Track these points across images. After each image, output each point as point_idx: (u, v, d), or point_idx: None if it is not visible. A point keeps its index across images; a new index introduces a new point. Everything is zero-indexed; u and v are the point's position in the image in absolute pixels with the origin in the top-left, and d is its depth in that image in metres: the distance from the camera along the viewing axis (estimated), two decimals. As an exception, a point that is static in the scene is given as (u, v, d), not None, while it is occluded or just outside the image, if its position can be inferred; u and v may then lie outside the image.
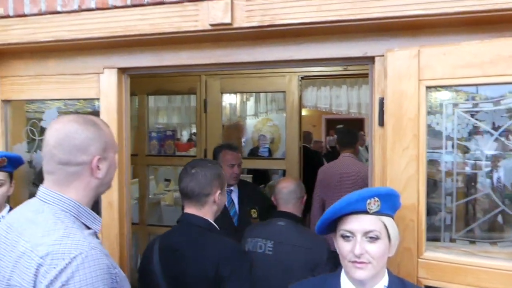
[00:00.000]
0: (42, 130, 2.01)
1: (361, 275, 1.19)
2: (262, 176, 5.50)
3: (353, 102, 3.96)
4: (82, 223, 1.10)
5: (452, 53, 1.41)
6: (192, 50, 1.75)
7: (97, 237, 1.17)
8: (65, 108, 2.23)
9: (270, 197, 2.32)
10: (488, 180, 1.54)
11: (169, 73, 2.99)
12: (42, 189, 1.11)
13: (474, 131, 1.52)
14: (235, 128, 5.38)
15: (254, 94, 4.06)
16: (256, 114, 4.13)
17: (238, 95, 4.11)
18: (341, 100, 3.95)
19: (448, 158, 1.54)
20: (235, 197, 2.70)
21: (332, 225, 1.30)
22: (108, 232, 1.86)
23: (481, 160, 1.54)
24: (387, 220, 1.23)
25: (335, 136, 9.22)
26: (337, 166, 3.25)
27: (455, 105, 1.51)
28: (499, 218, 1.51)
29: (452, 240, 1.56)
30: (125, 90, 1.89)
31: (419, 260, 1.48)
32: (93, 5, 1.66)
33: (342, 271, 1.32)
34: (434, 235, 1.57)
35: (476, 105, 1.50)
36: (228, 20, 1.55)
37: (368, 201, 1.19)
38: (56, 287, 0.93)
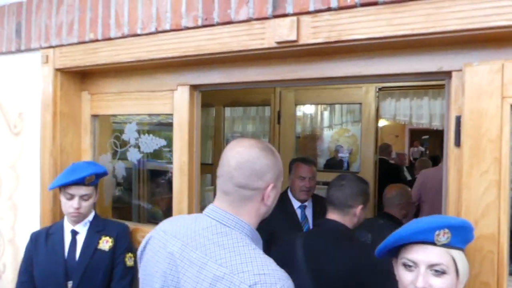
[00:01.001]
0: (124, 143, 2.19)
1: None
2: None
3: (435, 114, 3.69)
4: None
5: (542, 67, 1.25)
6: (259, 67, 1.78)
7: None
8: (148, 119, 2.40)
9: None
10: None
11: (242, 86, 3.07)
12: (216, 210, 1.13)
13: None
14: (311, 139, 5.33)
15: (329, 105, 3.99)
16: (330, 126, 4.05)
17: (313, 106, 4.07)
18: (422, 112, 3.70)
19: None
20: (309, 213, 2.66)
21: (394, 249, 1.22)
22: (177, 240, 1.96)
23: None
24: (457, 253, 1.12)
25: (419, 147, 8.72)
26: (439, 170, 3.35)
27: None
28: None
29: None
30: (196, 106, 1.98)
31: (500, 297, 1.32)
32: (168, 27, 1.77)
33: None
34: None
35: None
36: (294, 37, 1.54)
37: (437, 232, 1.09)
38: None
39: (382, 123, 4.20)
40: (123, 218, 2.96)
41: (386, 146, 5.00)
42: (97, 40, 1.97)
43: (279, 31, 1.56)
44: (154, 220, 3.87)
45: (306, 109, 4.12)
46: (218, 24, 1.68)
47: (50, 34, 2.10)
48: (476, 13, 1.29)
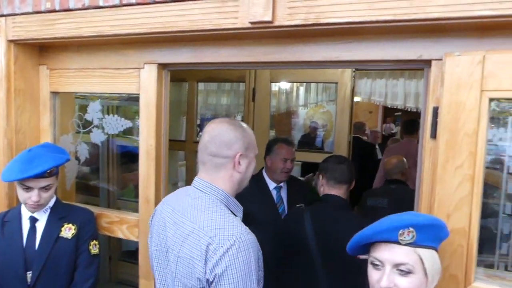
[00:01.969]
0: (87, 123, 2.05)
1: None
2: (311, 165, 5.39)
3: (410, 94, 3.67)
4: (230, 211, 1.31)
5: (525, 61, 1.21)
6: (232, 47, 1.67)
7: None
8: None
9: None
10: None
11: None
12: (197, 180, 1.35)
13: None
14: (286, 115, 5.28)
15: (304, 84, 3.90)
16: (305, 105, 3.98)
17: (288, 84, 3.98)
18: (397, 93, 3.68)
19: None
20: (284, 194, 2.63)
21: (367, 247, 1.19)
22: (145, 227, 1.88)
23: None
24: (425, 252, 1.09)
25: (391, 124, 8.83)
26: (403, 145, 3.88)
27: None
28: None
29: (508, 270, 1.39)
30: (164, 86, 1.86)
31: (467, 290, 1.33)
32: (133, 0, 1.63)
33: None
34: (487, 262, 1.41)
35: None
36: (269, 18, 1.44)
37: (401, 231, 1.06)
38: (224, 262, 1.15)
39: (357, 99, 4.17)
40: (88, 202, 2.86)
41: (360, 124, 5.01)
42: (54, 11, 1.79)
43: (253, 10, 1.45)
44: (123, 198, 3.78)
45: (281, 86, 4.03)
46: (188, -1, 1.55)
47: (0, 1, 1.90)
48: (461, 1, 1.23)
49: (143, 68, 1.83)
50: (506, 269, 1.37)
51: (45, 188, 1.75)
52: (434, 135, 1.39)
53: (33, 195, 1.71)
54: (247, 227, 1.25)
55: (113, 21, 1.69)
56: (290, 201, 2.58)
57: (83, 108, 2.08)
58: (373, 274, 1.13)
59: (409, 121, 4.19)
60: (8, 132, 1.99)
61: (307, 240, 1.95)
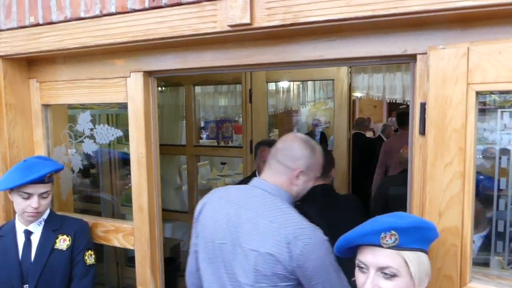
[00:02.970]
0: (78, 134, 2.05)
1: None
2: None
3: (409, 88, 3.60)
4: None
5: (510, 51, 1.16)
6: (215, 51, 1.65)
7: None
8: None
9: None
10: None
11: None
12: (262, 181, 1.48)
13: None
14: (287, 114, 5.23)
15: (301, 82, 3.87)
16: (303, 103, 3.95)
17: (286, 83, 3.94)
18: (396, 87, 3.62)
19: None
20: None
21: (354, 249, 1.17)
22: (139, 235, 1.88)
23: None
24: (410, 255, 1.05)
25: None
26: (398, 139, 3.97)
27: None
28: None
29: (504, 269, 1.35)
30: (152, 93, 1.85)
31: (462, 290, 1.29)
32: (113, 10, 1.61)
33: None
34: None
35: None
36: (247, 20, 1.41)
37: (383, 234, 1.03)
38: (309, 257, 1.31)
39: (358, 94, 4.12)
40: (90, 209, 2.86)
41: (362, 120, 4.94)
42: (38, 24, 1.79)
43: (231, 13, 1.43)
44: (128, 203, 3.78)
45: (279, 85, 4.00)
46: (167, 6, 1.53)
47: (-13, 18, 1.91)
48: (440, -7, 1.19)
49: (129, 76, 1.82)
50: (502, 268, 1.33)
51: (43, 196, 1.76)
52: (423, 131, 1.35)
53: (33, 202, 1.73)
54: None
55: (95, 31, 1.68)
56: None
57: (75, 119, 2.08)
58: (359, 277, 1.10)
59: (401, 114, 4.16)
60: (2, 146, 2.00)
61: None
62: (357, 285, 1.12)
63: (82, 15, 1.68)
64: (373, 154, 4.18)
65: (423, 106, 1.34)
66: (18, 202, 1.75)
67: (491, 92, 1.25)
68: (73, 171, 2.11)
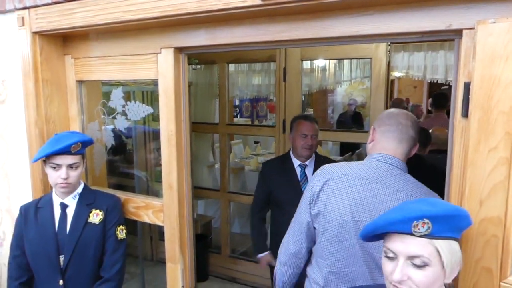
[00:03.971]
0: (111, 110, 2.07)
1: None
2: (349, 144, 5.21)
3: (452, 67, 3.38)
4: None
5: None
6: (246, 27, 1.59)
7: None
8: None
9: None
10: None
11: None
12: (388, 156, 1.51)
13: None
14: (323, 94, 5.11)
15: (337, 60, 3.73)
16: (339, 82, 3.81)
17: (322, 62, 3.82)
18: (438, 66, 3.41)
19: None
20: (309, 172, 2.59)
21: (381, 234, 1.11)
22: (169, 213, 1.89)
23: None
24: (442, 244, 0.99)
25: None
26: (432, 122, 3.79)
27: None
28: None
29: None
30: (182, 70, 1.82)
31: (502, 284, 1.21)
32: (143, -16, 1.59)
33: None
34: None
35: None
36: (280, -7, 1.35)
37: (415, 223, 0.97)
38: None
39: (398, 74, 3.93)
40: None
41: (399, 101, 4.75)
42: (71, 0, 1.80)
43: (263, -14, 1.36)
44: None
45: (315, 63, 3.88)
46: (196, -22, 1.48)
47: (23, -6, 1.94)
48: (494, -41, 1.07)
49: (160, 53, 1.80)
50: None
51: (72, 167, 1.80)
52: (465, 113, 1.25)
53: (62, 173, 1.77)
54: None
55: (126, 6, 1.66)
56: None
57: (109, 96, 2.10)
58: (386, 265, 1.05)
59: (439, 94, 3.92)
60: (39, 122, 2.05)
61: None
62: (384, 273, 1.07)
63: (113, -10, 1.66)
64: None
65: (467, 86, 1.24)
66: (50, 174, 1.81)
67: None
68: (106, 147, 2.15)
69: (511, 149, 1.15)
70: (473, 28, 1.20)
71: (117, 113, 2.04)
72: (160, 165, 3.89)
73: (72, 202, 1.88)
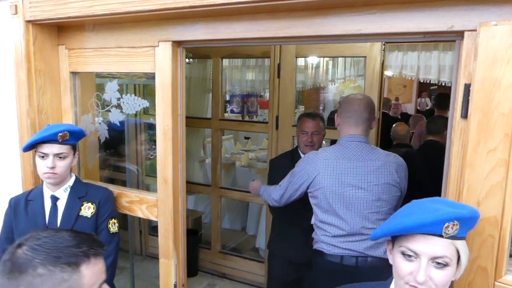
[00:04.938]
0: (105, 103, 2.04)
1: None
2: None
3: (445, 68, 3.42)
4: None
5: None
6: (246, 23, 1.58)
7: None
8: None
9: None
10: None
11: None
12: (357, 137, 1.97)
13: None
14: (315, 91, 5.10)
15: (332, 58, 3.73)
16: (333, 80, 3.82)
17: (316, 59, 3.82)
18: (431, 67, 3.44)
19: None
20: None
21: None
22: (163, 208, 1.87)
23: None
24: (460, 244, 1.03)
25: (427, 98, 8.41)
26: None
27: None
28: None
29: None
30: (180, 64, 1.80)
31: (496, 283, 1.23)
32: (143, -25, 1.56)
33: (392, 283, 1.16)
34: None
35: None
36: (283, -11, 1.34)
37: (447, 224, 0.98)
38: (406, 171, 2.03)
39: (389, 73, 3.95)
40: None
41: (386, 100, 4.88)
42: (67, -11, 1.76)
43: (267, -19, 1.35)
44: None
45: (308, 60, 3.88)
46: (198, -29, 1.46)
47: (17, -19, 1.89)
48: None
49: (158, 46, 1.77)
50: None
51: (60, 156, 1.77)
52: (465, 114, 1.26)
53: (48, 162, 1.74)
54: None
55: (124, -3, 1.63)
56: None
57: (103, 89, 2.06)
58: (403, 265, 1.05)
59: (444, 95, 3.96)
60: (31, 112, 2.01)
61: None
62: (399, 274, 1.07)
63: (112, -20, 1.63)
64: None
65: (467, 88, 1.25)
66: (38, 164, 1.78)
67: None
68: (99, 140, 2.11)
69: (510, 151, 1.17)
70: (475, 30, 1.21)
71: (112, 106, 2.01)
72: (151, 158, 3.87)
73: (63, 195, 1.84)
